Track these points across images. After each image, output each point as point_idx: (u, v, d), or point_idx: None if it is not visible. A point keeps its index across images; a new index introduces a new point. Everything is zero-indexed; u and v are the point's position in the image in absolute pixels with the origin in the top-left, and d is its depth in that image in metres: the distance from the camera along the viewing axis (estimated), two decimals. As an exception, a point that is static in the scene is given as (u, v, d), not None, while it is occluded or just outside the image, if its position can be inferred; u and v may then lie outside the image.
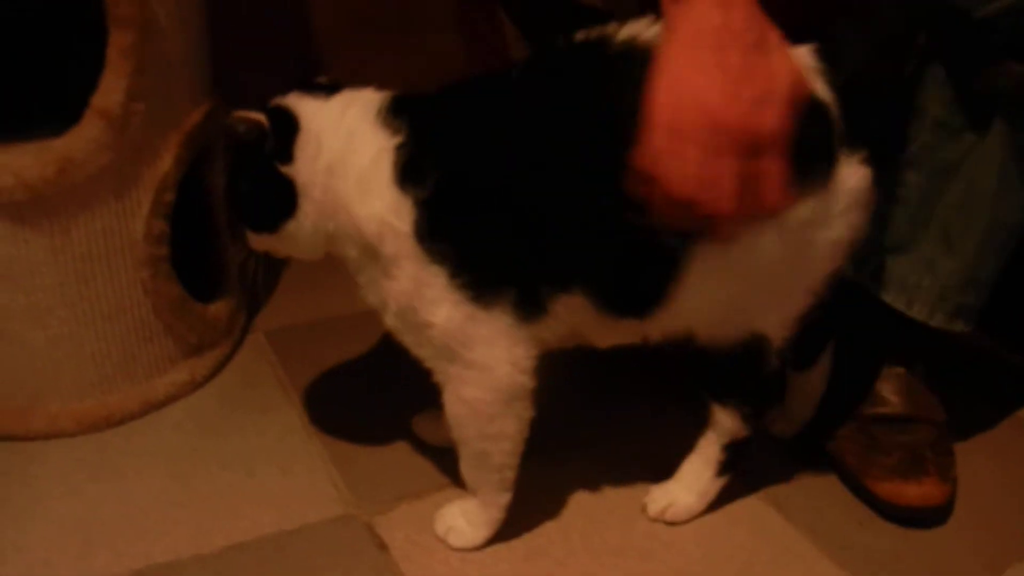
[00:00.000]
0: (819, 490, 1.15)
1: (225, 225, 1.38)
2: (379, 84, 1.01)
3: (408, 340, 0.99)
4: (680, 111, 0.82)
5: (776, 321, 0.99)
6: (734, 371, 1.02)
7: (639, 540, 1.08)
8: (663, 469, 1.13)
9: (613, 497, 1.13)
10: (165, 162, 1.20)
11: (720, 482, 1.09)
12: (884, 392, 1.16)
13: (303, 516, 1.11)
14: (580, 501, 1.13)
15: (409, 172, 0.91)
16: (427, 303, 0.93)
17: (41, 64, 1.30)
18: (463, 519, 1.06)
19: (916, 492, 1.09)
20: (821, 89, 0.90)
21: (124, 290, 1.21)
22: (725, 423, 1.05)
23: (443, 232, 0.91)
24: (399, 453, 1.20)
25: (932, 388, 1.17)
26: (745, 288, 0.95)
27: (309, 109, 0.97)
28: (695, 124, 0.81)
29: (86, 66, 1.14)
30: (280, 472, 1.18)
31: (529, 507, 1.07)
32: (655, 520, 1.09)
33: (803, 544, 1.08)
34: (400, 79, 1.01)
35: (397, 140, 0.92)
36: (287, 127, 0.96)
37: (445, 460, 1.17)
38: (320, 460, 1.19)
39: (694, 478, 1.09)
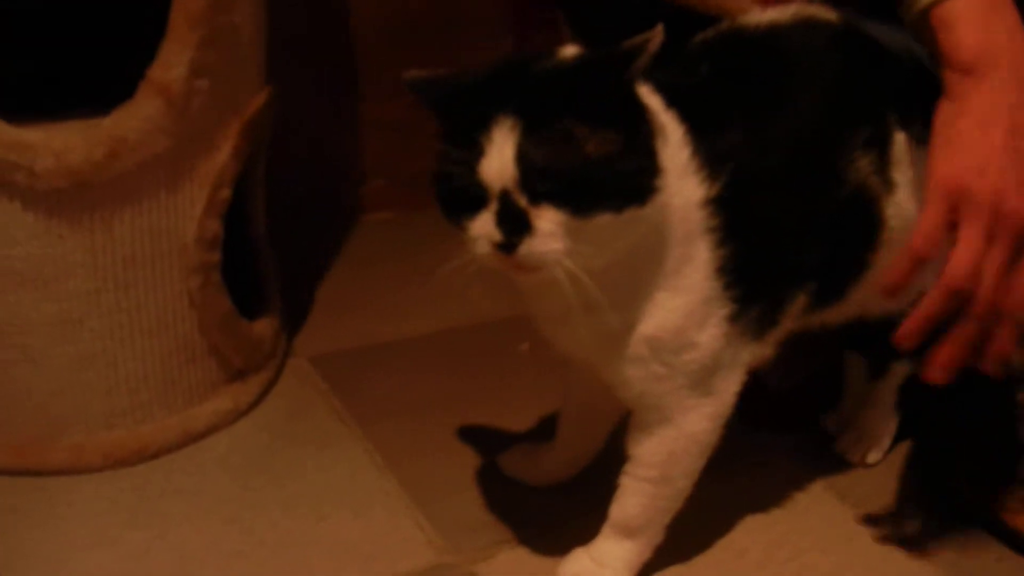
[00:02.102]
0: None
1: (265, 233, 1.21)
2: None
3: (649, 371, 0.84)
4: (963, 187, 0.77)
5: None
6: None
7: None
8: (777, 507, 1.03)
9: (735, 541, 1.00)
10: (223, 153, 1.04)
11: (897, 418, 1.12)
12: None
13: (391, 565, 0.95)
14: (699, 546, 0.99)
15: (703, 165, 0.81)
16: (697, 320, 0.83)
17: (88, 35, 1.13)
18: (606, 570, 0.91)
19: None
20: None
21: (168, 301, 1.04)
22: (900, 370, 1.09)
23: (731, 236, 0.82)
24: (486, 492, 1.05)
25: None
26: None
27: None
28: (978, 205, 0.76)
29: (139, 36, 0.98)
30: (353, 515, 1.01)
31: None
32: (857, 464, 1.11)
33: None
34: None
35: (685, 127, 0.81)
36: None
37: (539, 499, 1.04)
38: (400, 501, 1.03)
39: (878, 426, 1.11)
